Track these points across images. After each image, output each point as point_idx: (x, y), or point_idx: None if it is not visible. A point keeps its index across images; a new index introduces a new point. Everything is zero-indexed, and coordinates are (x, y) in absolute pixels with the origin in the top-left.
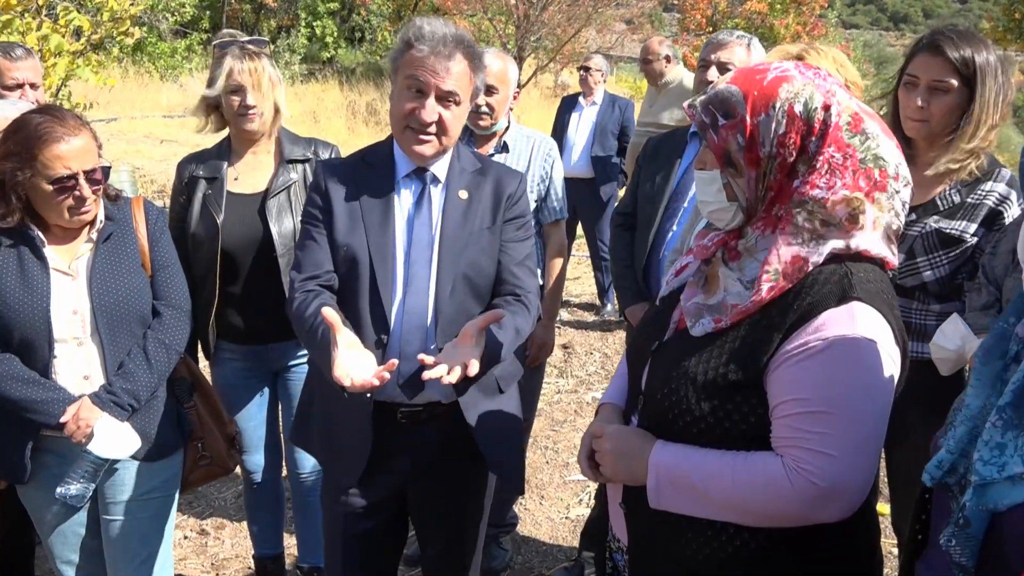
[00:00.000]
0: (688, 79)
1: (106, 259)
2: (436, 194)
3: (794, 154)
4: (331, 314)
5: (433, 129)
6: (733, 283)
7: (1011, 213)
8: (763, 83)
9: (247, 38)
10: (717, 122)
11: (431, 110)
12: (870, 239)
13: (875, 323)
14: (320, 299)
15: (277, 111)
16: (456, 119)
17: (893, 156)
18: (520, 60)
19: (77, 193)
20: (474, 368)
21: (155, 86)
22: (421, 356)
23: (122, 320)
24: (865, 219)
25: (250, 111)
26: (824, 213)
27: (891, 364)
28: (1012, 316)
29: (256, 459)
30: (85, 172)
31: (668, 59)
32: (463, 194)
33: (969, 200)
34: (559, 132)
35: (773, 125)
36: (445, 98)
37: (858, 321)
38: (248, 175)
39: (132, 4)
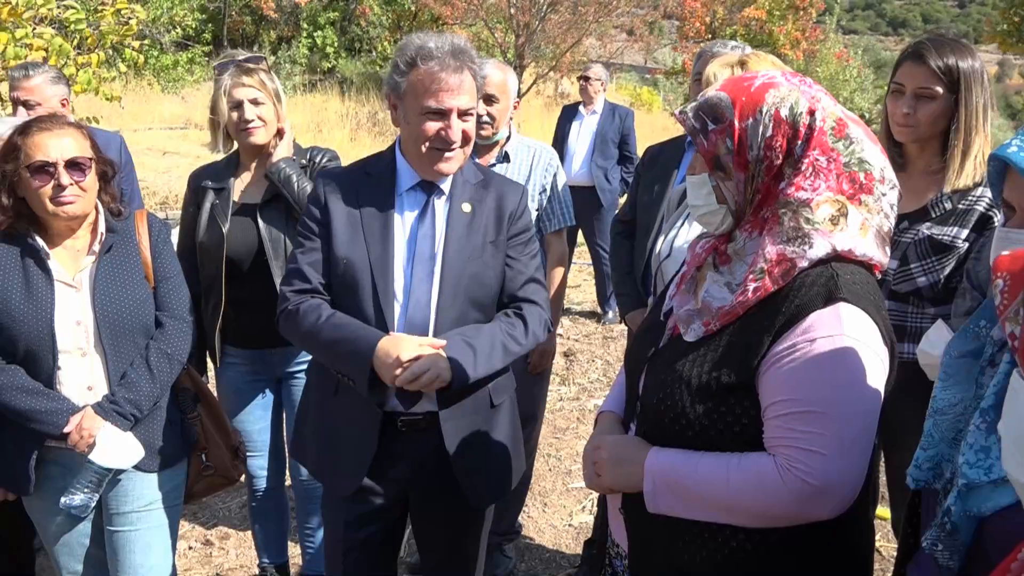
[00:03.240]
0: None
1: (109, 271)
2: (440, 206)
3: (780, 157)
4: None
5: (459, 144)
6: (720, 287)
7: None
8: (750, 89)
9: (244, 55)
10: (707, 127)
11: (458, 129)
12: (855, 240)
13: (862, 323)
14: (324, 307)
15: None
16: (474, 127)
17: (878, 160)
18: (520, 69)
19: (55, 181)
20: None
21: (157, 99)
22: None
23: (125, 331)
24: (849, 220)
25: (250, 125)
26: (809, 213)
27: (879, 363)
28: (983, 320)
29: (260, 463)
30: (65, 161)
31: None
32: (466, 207)
33: (960, 206)
34: (560, 141)
35: (760, 129)
36: (465, 113)
37: (845, 322)
38: (253, 185)
39: (132, 18)
